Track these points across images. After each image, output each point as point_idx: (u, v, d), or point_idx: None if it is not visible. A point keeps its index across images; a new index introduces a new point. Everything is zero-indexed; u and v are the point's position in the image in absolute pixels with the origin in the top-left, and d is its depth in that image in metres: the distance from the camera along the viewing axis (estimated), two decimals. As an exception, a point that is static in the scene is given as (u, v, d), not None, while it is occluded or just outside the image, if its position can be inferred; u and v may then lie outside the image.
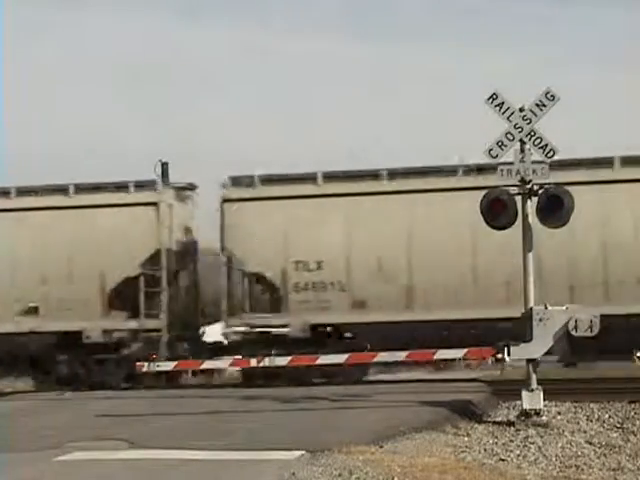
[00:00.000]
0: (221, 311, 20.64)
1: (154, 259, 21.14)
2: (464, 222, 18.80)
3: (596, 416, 13.41)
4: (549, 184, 13.37)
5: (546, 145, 13.29)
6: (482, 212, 13.52)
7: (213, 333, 21.63)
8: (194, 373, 22.55)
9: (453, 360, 21.48)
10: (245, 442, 11.24)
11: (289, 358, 15.44)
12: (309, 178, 20.73)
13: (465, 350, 14.57)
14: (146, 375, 18.89)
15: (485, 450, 11.36)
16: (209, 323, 21.95)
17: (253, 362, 15.27)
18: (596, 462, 10.81)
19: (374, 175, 20.57)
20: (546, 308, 13.14)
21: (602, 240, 19.61)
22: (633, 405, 13.92)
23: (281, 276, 20.40)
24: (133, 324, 21.05)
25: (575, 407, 13.94)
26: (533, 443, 11.78)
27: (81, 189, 21.72)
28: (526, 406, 13.00)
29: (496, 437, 12.12)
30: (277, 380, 18.62)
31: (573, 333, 12.88)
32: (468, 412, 13.64)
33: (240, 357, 18.50)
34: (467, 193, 18.27)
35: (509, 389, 14.75)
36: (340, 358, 15.64)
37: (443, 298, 19.72)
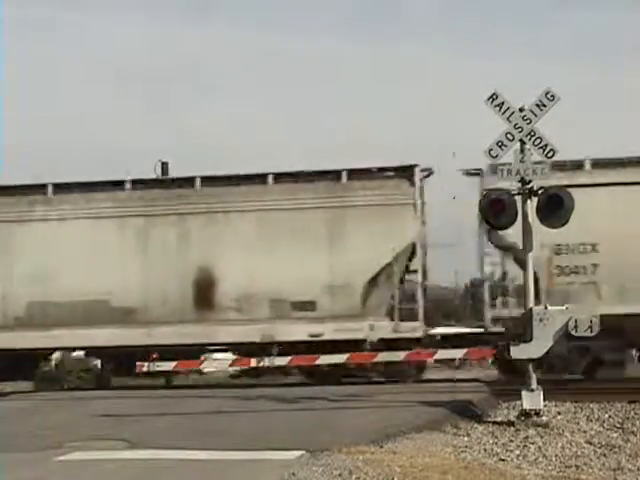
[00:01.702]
0: None
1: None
2: None
3: (596, 416, 13.41)
4: None
5: (546, 145, 13.29)
6: (482, 212, 13.51)
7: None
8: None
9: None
10: (245, 442, 11.23)
11: (289, 358, 15.45)
12: None
13: (465, 350, 14.59)
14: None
15: (485, 450, 11.36)
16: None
17: (253, 362, 15.28)
18: (596, 462, 10.80)
19: None
20: (546, 308, 13.15)
21: None
22: (633, 405, 13.93)
23: None
24: None
25: (575, 407, 13.94)
26: (533, 443, 11.78)
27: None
28: (526, 406, 13.00)
29: (496, 437, 12.12)
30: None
31: (573, 333, 12.89)
32: (468, 412, 13.64)
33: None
34: None
35: (509, 389, 14.75)
36: (340, 358, 15.64)
37: None
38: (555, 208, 13.20)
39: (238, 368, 20.70)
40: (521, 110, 13.37)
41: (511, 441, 11.90)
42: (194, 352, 19.10)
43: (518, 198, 13.39)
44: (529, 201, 13.34)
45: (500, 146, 13.37)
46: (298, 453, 10.13)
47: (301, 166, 21.35)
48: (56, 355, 21.18)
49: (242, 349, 19.58)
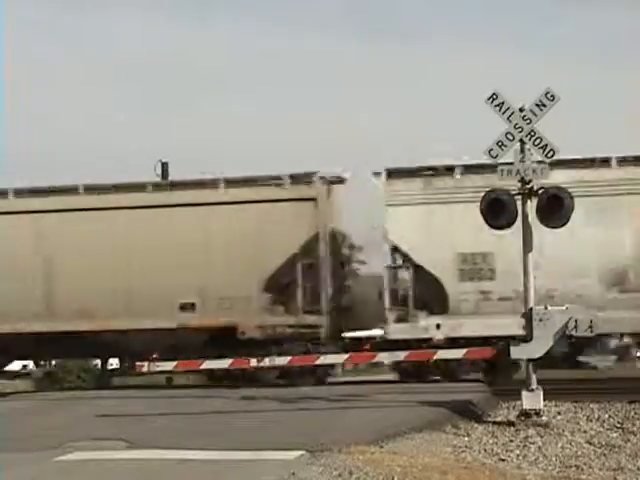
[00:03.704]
0: None
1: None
2: None
3: (596, 416, 13.40)
4: None
5: (546, 145, 13.28)
6: (482, 212, 13.52)
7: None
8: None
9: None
10: (245, 442, 11.23)
11: (289, 358, 15.45)
12: None
13: (465, 350, 14.59)
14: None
15: (485, 450, 11.36)
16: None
17: (253, 362, 15.27)
18: (596, 462, 10.80)
19: None
20: (546, 308, 13.15)
21: None
22: (633, 405, 13.92)
23: None
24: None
25: (575, 407, 13.93)
26: (533, 443, 11.78)
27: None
28: (526, 406, 13.00)
29: (496, 437, 12.12)
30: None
31: (573, 333, 12.89)
32: (468, 412, 13.64)
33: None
34: None
35: (509, 389, 14.75)
36: (340, 358, 15.65)
37: None
38: (555, 208, 13.21)
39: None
40: (521, 110, 13.37)
41: (511, 441, 11.89)
42: None
43: (518, 198, 13.40)
44: (529, 201, 13.35)
45: (500, 146, 13.36)
46: (298, 453, 10.13)
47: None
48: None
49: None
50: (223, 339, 20.17)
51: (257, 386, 18.26)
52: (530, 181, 13.28)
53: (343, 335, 21.21)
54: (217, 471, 9.52)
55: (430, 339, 19.66)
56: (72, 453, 10.73)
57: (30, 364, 29.88)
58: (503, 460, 10.88)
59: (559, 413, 13.59)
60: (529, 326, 13.04)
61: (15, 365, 29.96)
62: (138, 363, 15.22)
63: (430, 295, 20.22)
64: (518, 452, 11.31)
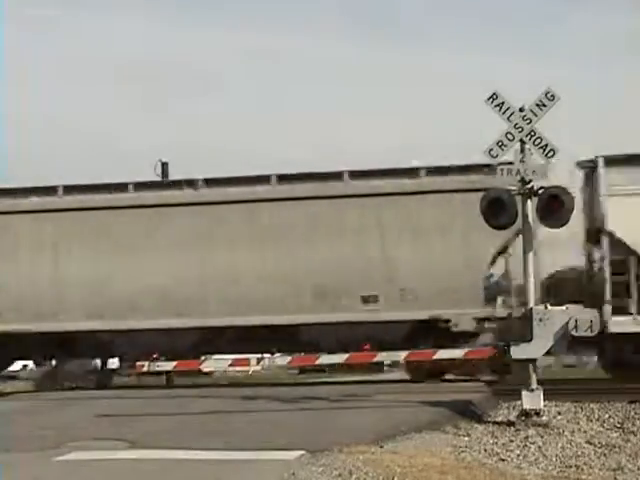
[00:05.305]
0: None
1: None
2: None
3: (596, 416, 13.40)
4: None
5: (546, 145, 13.29)
6: (482, 212, 13.53)
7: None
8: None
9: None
10: (245, 442, 11.24)
11: (289, 358, 15.44)
12: None
13: (465, 350, 14.59)
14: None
15: (485, 450, 11.36)
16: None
17: (253, 362, 15.27)
18: (596, 462, 10.80)
19: None
20: (546, 308, 13.16)
21: None
22: (633, 405, 13.92)
23: None
24: None
25: (575, 407, 13.93)
26: (533, 443, 11.78)
27: None
28: (526, 406, 13.00)
29: (496, 437, 12.12)
30: None
31: (573, 333, 12.90)
32: (468, 412, 13.64)
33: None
34: None
35: (509, 389, 14.76)
36: (340, 358, 15.64)
37: None
38: (555, 208, 13.21)
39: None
40: (521, 110, 13.37)
41: (511, 441, 11.89)
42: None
43: (518, 198, 13.40)
44: (529, 201, 13.35)
45: (500, 146, 13.36)
46: (298, 453, 10.13)
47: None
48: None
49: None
50: None
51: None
52: (530, 181, 13.29)
53: None
54: (217, 471, 9.52)
55: None
56: (72, 453, 10.74)
57: (30, 364, 29.77)
58: (503, 460, 10.89)
59: (559, 413, 13.58)
60: (529, 326, 13.05)
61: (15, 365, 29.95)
62: (138, 363, 15.20)
63: None
64: (518, 452, 11.31)
